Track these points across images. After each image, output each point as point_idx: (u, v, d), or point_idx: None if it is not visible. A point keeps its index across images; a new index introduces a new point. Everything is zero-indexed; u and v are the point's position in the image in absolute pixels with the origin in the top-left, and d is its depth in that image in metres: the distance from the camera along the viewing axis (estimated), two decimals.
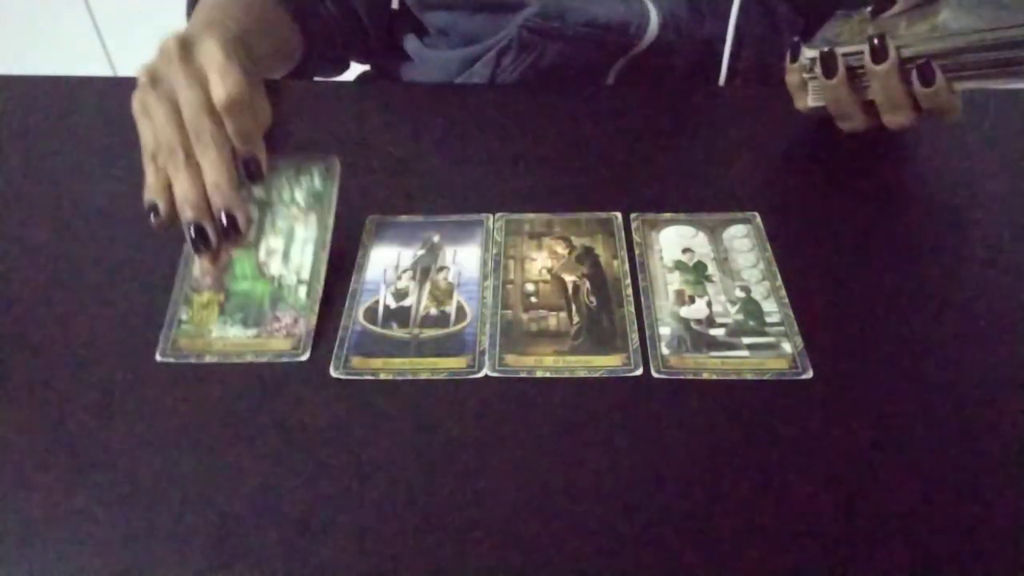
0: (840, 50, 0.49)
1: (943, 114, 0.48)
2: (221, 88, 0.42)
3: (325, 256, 0.45)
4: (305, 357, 0.41)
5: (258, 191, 0.46)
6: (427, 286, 0.46)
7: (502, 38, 0.65)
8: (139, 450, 0.38)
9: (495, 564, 0.33)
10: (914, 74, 0.46)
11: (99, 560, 0.34)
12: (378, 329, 0.43)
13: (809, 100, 0.53)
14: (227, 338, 0.42)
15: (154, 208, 0.42)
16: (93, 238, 0.50)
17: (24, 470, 0.37)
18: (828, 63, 0.50)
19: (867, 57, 0.48)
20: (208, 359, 0.41)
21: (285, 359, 0.41)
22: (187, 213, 0.42)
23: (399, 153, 0.56)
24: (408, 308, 0.45)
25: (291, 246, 0.45)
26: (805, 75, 0.52)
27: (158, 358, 0.41)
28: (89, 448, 0.38)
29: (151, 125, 0.44)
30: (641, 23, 0.63)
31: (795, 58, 0.52)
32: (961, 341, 0.42)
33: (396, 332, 0.43)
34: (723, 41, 0.62)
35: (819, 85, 0.51)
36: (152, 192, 0.43)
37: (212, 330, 0.42)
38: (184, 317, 0.43)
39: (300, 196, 0.47)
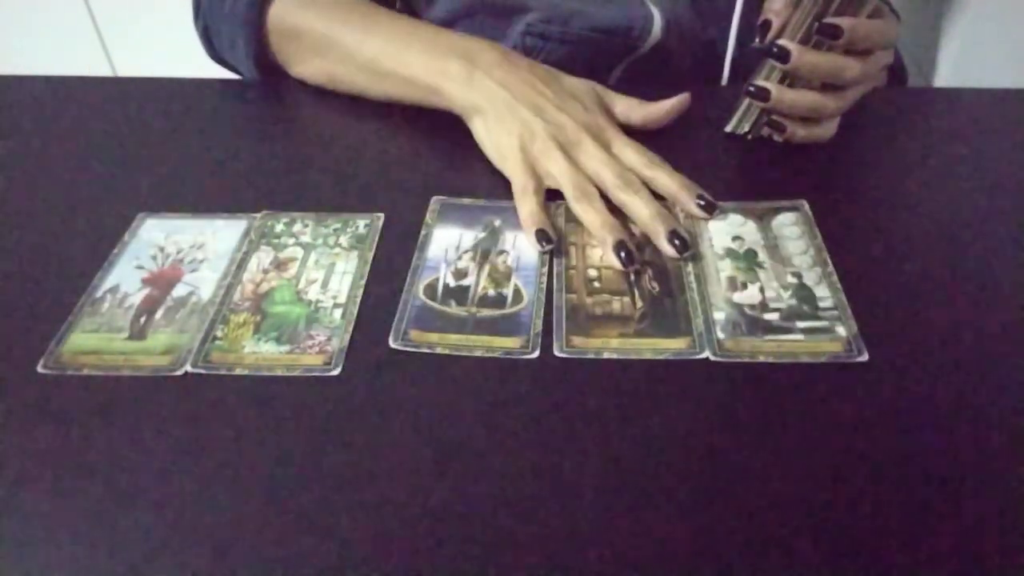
0: (757, 81, 0.54)
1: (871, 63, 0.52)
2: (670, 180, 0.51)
3: (363, 284, 0.46)
4: (336, 372, 0.41)
5: (304, 236, 0.49)
6: (486, 268, 0.47)
7: (506, 43, 0.66)
8: (140, 449, 0.37)
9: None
10: (822, 39, 0.50)
11: (99, 560, 0.33)
12: (437, 305, 0.44)
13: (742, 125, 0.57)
14: (260, 353, 0.42)
15: (546, 237, 0.47)
16: (95, 239, 0.50)
17: (26, 470, 0.37)
18: (759, 93, 0.53)
19: (776, 64, 0.51)
20: (239, 371, 0.41)
21: (316, 374, 0.41)
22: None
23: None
24: (467, 287, 0.46)
25: (331, 277, 0.47)
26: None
27: (189, 369, 0.41)
28: (90, 449, 0.37)
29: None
30: (645, 26, 0.64)
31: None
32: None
33: (454, 309, 0.44)
34: (725, 42, 0.63)
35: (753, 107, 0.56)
36: (543, 220, 0.48)
37: (245, 346, 0.42)
38: (219, 334, 0.43)
39: (344, 240, 0.49)
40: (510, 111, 0.52)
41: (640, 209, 0.48)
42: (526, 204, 0.49)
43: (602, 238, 0.47)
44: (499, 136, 0.52)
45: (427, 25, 0.60)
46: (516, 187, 0.50)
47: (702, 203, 0.50)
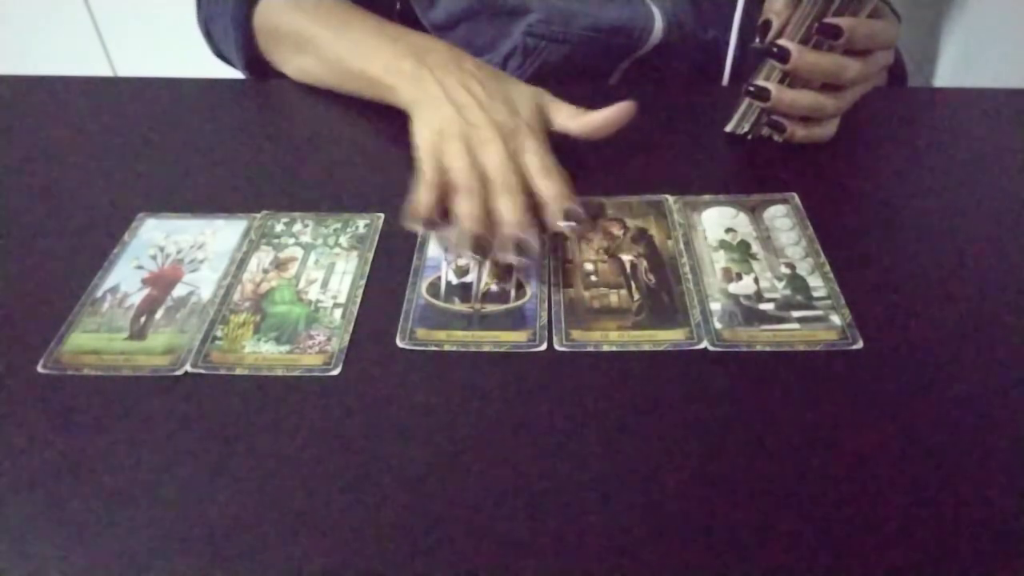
0: (757, 81, 0.54)
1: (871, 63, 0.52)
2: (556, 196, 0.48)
3: (363, 284, 0.46)
4: (336, 372, 0.41)
5: (304, 236, 0.49)
6: (487, 264, 0.47)
7: (507, 44, 0.66)
8: (140, 449, 0.37)
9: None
10: (822, 39, 0.50)
11: (99, 560, 0.33)
12: (441, 303, 0.45)
13: (742, 125, 0.57)
14: (260, 353, 0.42)
15: (424, 222, 0.47)
16: (95, 239, 0.50)
17: (26, 470, 0.36)
18: (759, 93, 0.53)
19: (777, 65, 0.51)
20: (239, 371, 0.41)
21: (316, 374, 0.41)
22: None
23: None
24: (469, 284, 0.46)
25: (331, 277, 0.47)
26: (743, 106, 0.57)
27: (188, 369, 0.41)
28: (90, 449, 0.37)
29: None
30: (646, 26, 0.64)
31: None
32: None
33: (458, 306, 0.44)
34: (726, 43, 0.63)
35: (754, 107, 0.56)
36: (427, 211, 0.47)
37: (245, 346, 0.42)
38: (219, 334, 0.43)
39: (344, 240, 0.49)
40: (436, 107, 0.52)
41: (505, 213, 0.46)
42: (418, 194, 0.48)
43: (463, 229, 0.46)
44: (421, 129, 0.52)
45: (394, 26, 0.61)
46: (421, 177, 0.49)
47: (567, 216, 0.47)
